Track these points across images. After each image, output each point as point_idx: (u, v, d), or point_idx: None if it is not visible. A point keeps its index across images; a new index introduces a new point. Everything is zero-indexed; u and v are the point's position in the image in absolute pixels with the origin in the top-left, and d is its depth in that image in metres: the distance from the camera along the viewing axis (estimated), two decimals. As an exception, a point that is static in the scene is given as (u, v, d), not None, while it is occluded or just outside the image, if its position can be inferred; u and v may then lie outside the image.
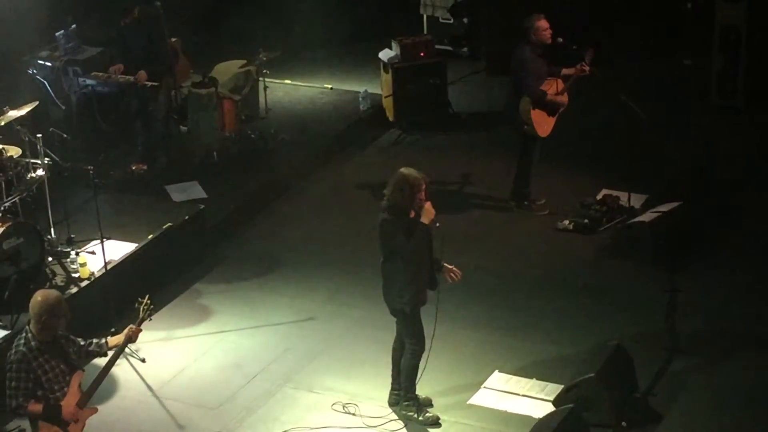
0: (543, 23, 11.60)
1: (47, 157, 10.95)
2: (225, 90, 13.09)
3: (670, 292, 9.86)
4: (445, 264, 9.13)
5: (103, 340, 8.17)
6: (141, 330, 8.21)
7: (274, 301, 10.98)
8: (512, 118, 11.91)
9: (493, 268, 11.20)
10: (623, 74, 13.78)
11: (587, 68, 11.70)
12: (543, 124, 11.84)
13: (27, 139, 10.91)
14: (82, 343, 8.10)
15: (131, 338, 8.13)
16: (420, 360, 9.17)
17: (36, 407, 7.76)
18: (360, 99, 14.53)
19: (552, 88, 11.76)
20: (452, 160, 13.39)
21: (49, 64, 13.14)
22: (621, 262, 11.31)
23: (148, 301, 8.27)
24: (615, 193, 12.20)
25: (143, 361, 9.93)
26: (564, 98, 11.83)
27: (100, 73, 12.83)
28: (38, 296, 7.86)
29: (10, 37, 13.03)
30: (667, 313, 9.85)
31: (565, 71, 11.82)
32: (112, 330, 9.94)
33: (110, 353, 8.13)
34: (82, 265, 10.61)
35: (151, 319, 8.36)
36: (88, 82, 12.83)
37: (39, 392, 7.75)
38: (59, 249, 10.89)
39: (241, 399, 9.61)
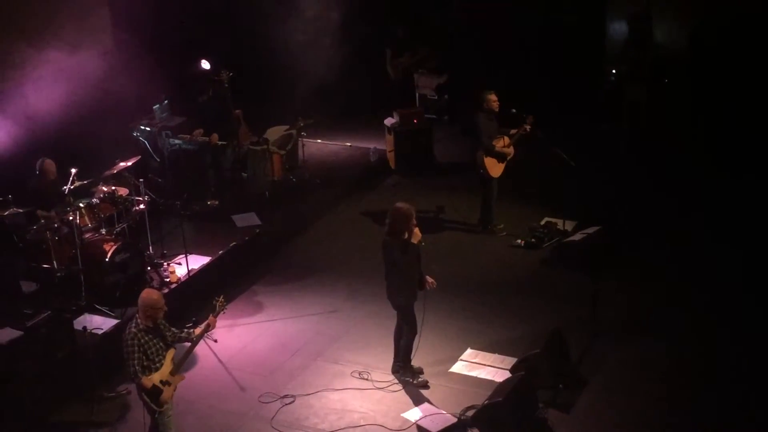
0: (493, 96, 11.72)
1: (147, 195, 11.06)
2: (274, 147, 13.11)
3: (594, 291, 9.88)
4: (426, 276, 9.13)
5: (192, 330, 8.16)
6: (216, 320, 8.21)
7: (309, 298, 11.00)
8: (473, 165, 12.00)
9: (465, 275, 11.22)
10: (556, 134, 13.81)
11: (528, 128, 11.81)
12: (494, 168, 11.88)
13: (132, 182, 11.03)
14: (176, 330, 8.09)
15: (209, 326, 8.11)
16: (413, 340, 9.22)
17: (147, 382, 7.70)
18: (370, 153, 14.58)
19: (500, 142, 11.84)
20: (436, 197, 13.38)
21: (148, 128, 13.17)
22: (559, 270, 11.33)
23: (222, 299, 8.29)
24: (554, 219, 12.24)
25: (215, 341, 9.86)
26: (511, 150, 11.90)
27: (185, 135, 12.91)
28: (144, 294, 7.86)
29: (121, 110, 13.15)
30: (592, 307, 9.88)
31: (512, 131, 11.92)
32: (194, 319, 9.84)
33: (195, 339, 8.13)
34: (172, 272, 10.70)
35: (225, 312, 8.37)
36: (176, 141, 12.90)
37: (145, 362, 7.74)
38: (155, 261, 10.98)
39: (285, 369, 9.66)
